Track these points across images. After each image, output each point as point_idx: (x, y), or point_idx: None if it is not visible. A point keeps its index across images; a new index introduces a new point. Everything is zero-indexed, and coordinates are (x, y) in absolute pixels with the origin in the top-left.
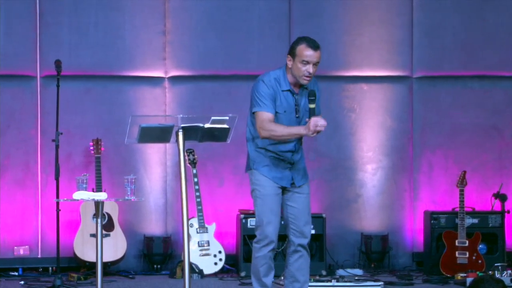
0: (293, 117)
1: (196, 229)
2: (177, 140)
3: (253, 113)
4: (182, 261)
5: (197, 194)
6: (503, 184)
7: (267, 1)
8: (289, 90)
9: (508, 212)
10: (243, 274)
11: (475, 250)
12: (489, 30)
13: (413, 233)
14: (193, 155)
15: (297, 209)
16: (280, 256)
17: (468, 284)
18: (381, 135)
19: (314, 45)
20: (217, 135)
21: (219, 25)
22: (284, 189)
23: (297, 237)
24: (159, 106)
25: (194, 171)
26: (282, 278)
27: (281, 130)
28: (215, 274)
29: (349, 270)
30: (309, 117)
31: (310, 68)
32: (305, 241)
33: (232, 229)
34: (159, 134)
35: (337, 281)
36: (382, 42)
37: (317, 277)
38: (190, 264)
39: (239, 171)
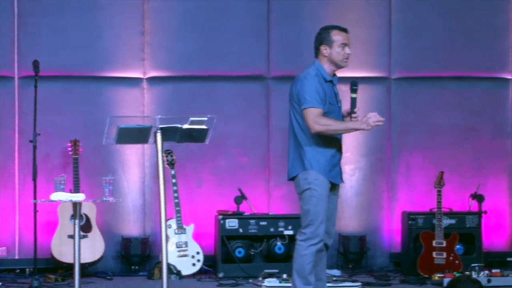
0: (335, 107)
1: (174, 230)
2: (155, 141)
3: (303, 110)
4: (160, 262)
5: (176, 195)
6: (480, 185)
7: (246, 1)
8: (330, 81)
9: (485, 212)
10: (221, 275)
11: (452, 251)
12: (467, 31)
13: (391, 233)
14: (172, 156)
15: (330, 210)
16: (258, 257)
17: (445, 284)
18: (359, 135)
19: (345, 29)
20: (196, 136)
21: (198, 26)
22: None
23: (326, 238)
24: (137, 107)
25: (173, 172)
26: (260, 278)
27: (337, 125)
28: (193, 275)
29: (327, 270)
30: (351, 107)
31: (348, 50)
32: (331, 241)
33: (210, 230)
34: (137, 135)
35: None
36: (361, 43)
37: None
38: (168, 265)
39: (218, 172)
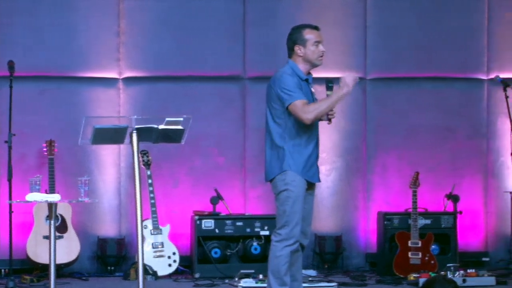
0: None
1: (150, 230)
2: (131, 142)
3: (287, 107)
4: (136, 263)
5: (151, 195)
6: (456, 185)
7: (222, 2)
8: (306, 80)
9: (461, 213)
10: (197, 275)
11: (428, 251)
12: (443, 32)
13: (367, 234)
14: (147, 157)
15: (306, 210)
16: (234, 258)
17: (420, 284)
18: (335, 136)
19: (316, 27)
20: (172, 136)
21: (174, 26)
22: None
23: (302, 238)
24: (113, 107)
25: (148, 172)
26: (236, 279)
27: (323, 103)
28: (169, 276)
29: (303, 271)
30: None
31: (322, 47)
32: (307, 242)
33: (186, 230)
34: (113, 135)
35: None
36: (336, 43)
37: None
38: (144, 265)
39: (194, 172)
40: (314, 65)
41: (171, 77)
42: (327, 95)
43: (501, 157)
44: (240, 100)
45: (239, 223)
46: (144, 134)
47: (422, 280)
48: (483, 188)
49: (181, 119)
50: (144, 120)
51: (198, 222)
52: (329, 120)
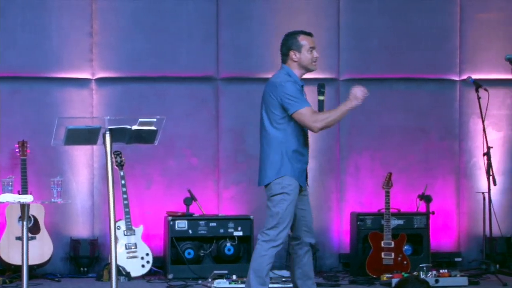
0: (326, 111)
1: (124, 231)
2: (104, 142)
3: (293, 114)
4: (109, 264)
5: (125, 196)
6: (428, 186)
7: (195, 3)
8: (302, 86)
9: (433, 213)
10: (170, 276)
11: (401, 251)
12: (415, 33)
13: (340, 234)
14: (121, 157)
15: (306, 211)
16: (208, 258)
17: (393, 285)
18: (309, 137)
19: (310, 33)
20: (145, 137)
21: (147, 27)
22: None
23: (309, 237)
24: (86, 107)
25: (122, 173)
26: (210, 280)
27: (333, 114)
28: (142, 277)
29: (276, 271)
30: (319, 109)
31: (316, 53)
32: (313, 240)
33: (160, 231)
34: (86, 136)
35: None
36: None
37: (245, 279)
38: (117, 266)
39: (167, 173)
40: (308, 70)
41: (144, 77)
42: (319, 100)
43: (474, 158)
44: (213, 100)
45: (213, 224)
46: (117, 134)
47: (395, 281)
48: (456, 189)
49: (154, 119)
50: (117, 121)
51: (171, 223)
52: None
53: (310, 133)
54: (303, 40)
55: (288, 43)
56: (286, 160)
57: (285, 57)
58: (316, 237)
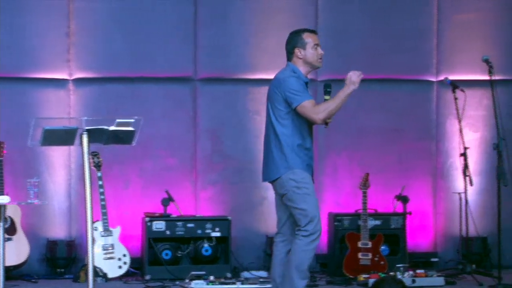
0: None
1: (101, 232)
2: (81, 143)
3: (296, 107)
4: (86, 265)
5: (102, 197)
6: (405, 186)
7: (173, 3)
8: (306, 83)
9: (410, 213)
10: (148, 277)
11: (378, 252)
12: (392, 34)
13: None
14: (98, 158)
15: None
16: (185, 259)
17: (370, 285)
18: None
19: (314, 30)
20: (123, 138)
21: (124, 27)
22: None
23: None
24: (63, 108)
25: (99, 174)
26: (187, 280)
27: (333, 102)
28: (119, 278)
29: (254, 272)
30: None
31: (321, 50)
32: None
33: (137, 232)
34: (63, 137)
35: (242, 283)
36: None
37: (222, 280)
38: (94, 267)
39: (144, 174)
40: (314, 67)
41: (122, 78)
42: (325, 100)
43: (450, 159)
44: (191, 101)
45: (190, 225)
46: (95, 135)
47: (371, 281)
48: (432, 189)
49: (132, 120)
50: (95, 122)
51: (149, 223)
52: (326, 124)
53: None
54: (307, 38)
55: (293, 41)
56: (294, 154)
57: (290, 55)
58: None
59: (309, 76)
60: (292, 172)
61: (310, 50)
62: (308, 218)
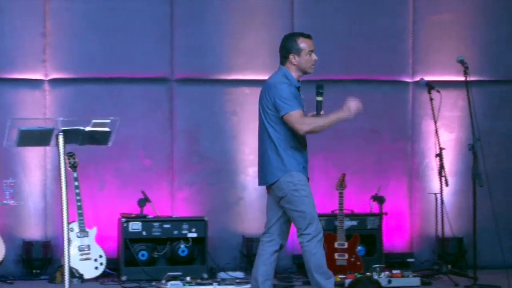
0: (317, 116)
1: (77, 233)
2: (57, 144)
3: (283, 116)
4: (62, 266)
5: (78, 198)
6: (381, 187)
7: (150, 3)
8: (298, 87)
9: (386, 214)
10: (124, 278)
11: (354, 252)
12: (369, 35)
13: (294, 235)
14: (74, 159)
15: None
16: (162, 260)
17: (346, 285)
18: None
19: (309, 35)
20: (99, 138)
21: (100, 27)
22: None
23: (283, 239)
24: (39, 109)
25: (75, 174)
26: (164, 281)
27: (322, 121)
28: (95, 279)
29: (230, 273)
30: (317, 110)
31: (315, 56)
32: (286, 242)
33: (113, 233)
34: (39, 137)
35: (219, 284)
36: (264, 45)
37: (199, 280)
38: (70, 268)
39: (121, 174)
40: (306, 73)
41: (98, 78)
42: (317, 101)
43: (426, 159)
44: (168, 102)
45: (167, 226)
46: (71, 136)
47: (348, 281)
48: (408, 190)
49: (108, 121)
50: (71, 122)
51: (125, 224)
52: None
53: (253, 135)
54: (302, 43)
55: (288, 46)
56: (290, 157)
57: (284, 59)
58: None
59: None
60: (289, 175)
61: (304, 56)
62: (307, 220)
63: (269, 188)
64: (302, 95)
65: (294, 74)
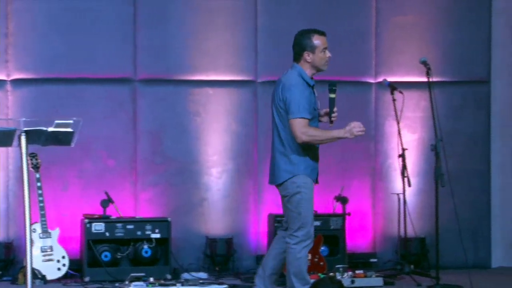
0: (316, 112)
1: (39, 234)
2: (19, 144)
3: (290, 119)
4: (25, 267)
5: (40, 198)
6: (344, 187)
7: (113, 4)
8: (312, 86)
9: (349, 214)
10: (87, 279)
11: (317, 252)
12: (332, 36)
13: (257, 236)
14: (36, 159)
15: None
16: (125, 261)
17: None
18: (227, 139)
19: (323, 32)
20: (61, 139)
21: (63, 28)
22: None
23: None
24: (1, 109)
25: (37, 175)
26: (127, 282)
27: (323, 135)
28: (58, 280)
29: (194, 273)
30: (330, 107)
31: (328, 53)
32: None
33: (76, 234)
34: (1, 138)
35: (182, 285)
36: (228, 46)
37: (162, 281)
38: (33, 269)
39: (84, 175)
40: (320, 70)
41: (61, 79)
42: (330, 98)
43: (389, 159)
44: (131, 102)
45: (130, 226)
46: (33, 136)
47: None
48: (371, 190)
49: (71, 121)
50: (33, 123)
51: (88, 225)
52: (331, 122)
53: (229, 134)
54: (316, 40)
55: (303, 44)
56: (298, 158)
57: (298, 56)
58: (234, 238)
59: (249, 78)
60: (296, 177)
61: (319, 54)
62: (300, 222)
63: (277, 188)
64: (316, 93)
65: (308, 71)
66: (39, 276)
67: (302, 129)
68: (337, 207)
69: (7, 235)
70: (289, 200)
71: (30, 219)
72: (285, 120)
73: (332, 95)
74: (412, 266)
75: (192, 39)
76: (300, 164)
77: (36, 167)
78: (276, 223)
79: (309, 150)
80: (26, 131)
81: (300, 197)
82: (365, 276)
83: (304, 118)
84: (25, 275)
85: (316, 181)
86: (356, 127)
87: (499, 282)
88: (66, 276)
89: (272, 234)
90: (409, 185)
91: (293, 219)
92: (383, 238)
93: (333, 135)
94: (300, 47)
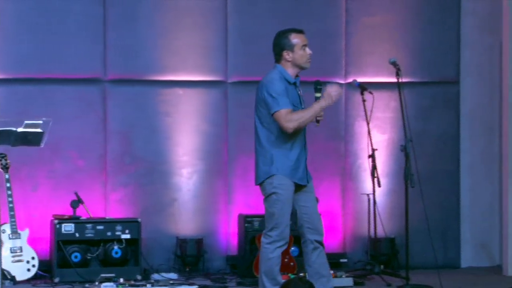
0: (299, 109)
1: (9, 235)
2: None
3: (273, 114)
4: None
5: (10, 199)
6: (314, 187)
7: (83, 4)
8: (294, 83)
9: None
10: (57, 280)
11: (287, 253)
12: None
13: (228, 236)
14: (6, 160)
15: (310, 208)
16: (95, 262)
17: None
18: (197, 139)
19: (301, 30)
20: (31, 139)
21: (32, 28)
22: (295, 190)
23: (314, 234)
24: None
25: (7, 176)
26: (97, 283)
27: (306, 113)
28: (28, 281)
29: (164, 274)
30: None
31: (309, 50)
32: (322, 238)
33: (46, 234)
34: None
35: (152, 286)
36: (197, 46)
37: (132, 282)
38: (2, 270)
39: (54, 176)
40: (302, 68)
41: (30, 79)
42: (316, 97)
43: (359, 160)
44: (101, 102)
45: (100, 227)
46: (3, 137)
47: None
48: (341, 190)
49: (41, 122)
50: (2, 123)
51: (57, 226)
52: (317, 121)
53: (199, 134)
54: (294, 39)
55: (281, 43)
56: (275, 158)
57: (278, 56)
58: (205, 238)
59: (219, 78)
60: (272, 177)
61: (298, 51)
62: (273, 223)
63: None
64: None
65: (290, 70)
66: (9, 277)
67: (285, 118)
68: None
69: None
70: (265, 200)
71: (0, 220)
72: (265, 119)
73: (318, 94)
74: (382, 266)
75: (162, 39)
76: (279, 164)
77: (5, 168)
78: (246, 223)
79: (290, 150)
80: None
81: (276, 198)
82: (335, 277)
83: (284, 108)
84: None
85: (302, 182)
86: (333, 91)
87: (468, 282)
88: (35, 277)
89: (242, 235)
90: (379, 185)
91: (268, 219)
92: (353, 238)
93: (315, 108)
94: (279, 47)
